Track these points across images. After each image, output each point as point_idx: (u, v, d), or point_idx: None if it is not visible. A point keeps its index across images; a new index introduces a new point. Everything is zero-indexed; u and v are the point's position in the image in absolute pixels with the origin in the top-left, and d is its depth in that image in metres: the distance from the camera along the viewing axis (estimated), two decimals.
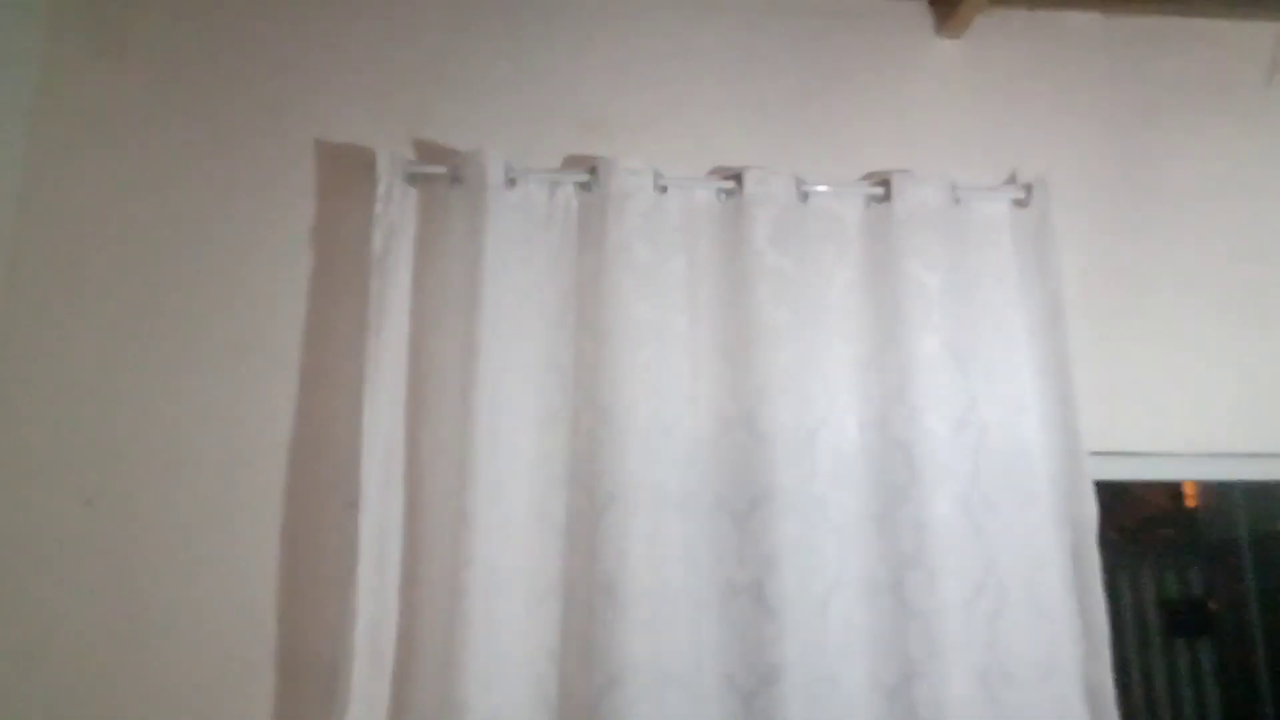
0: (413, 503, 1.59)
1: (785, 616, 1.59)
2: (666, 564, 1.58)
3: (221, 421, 1.64)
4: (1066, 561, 1.72)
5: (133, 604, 1.54)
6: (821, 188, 1.83)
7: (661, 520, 1.59)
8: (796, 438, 1.65)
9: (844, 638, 1.62)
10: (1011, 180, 1.92)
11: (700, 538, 1.62)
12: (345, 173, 1.76)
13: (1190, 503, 2.70)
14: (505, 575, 1.55)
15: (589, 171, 1.77)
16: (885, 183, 1.83)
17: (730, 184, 1.79)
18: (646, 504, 1.58)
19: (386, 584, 1.52)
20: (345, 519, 1.54)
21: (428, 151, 1.80)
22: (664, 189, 1.77)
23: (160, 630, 1.54)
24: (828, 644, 1.61)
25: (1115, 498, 1.86)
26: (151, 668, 1.52)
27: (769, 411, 1.65)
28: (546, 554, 1.59)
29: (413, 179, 1.74)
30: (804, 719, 1.56)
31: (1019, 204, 1.87)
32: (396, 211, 1.70)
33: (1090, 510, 1.72)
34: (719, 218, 1.79)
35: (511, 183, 1.74)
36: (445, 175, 1.74)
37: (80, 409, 1.62)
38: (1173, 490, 2.79)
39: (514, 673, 1.53)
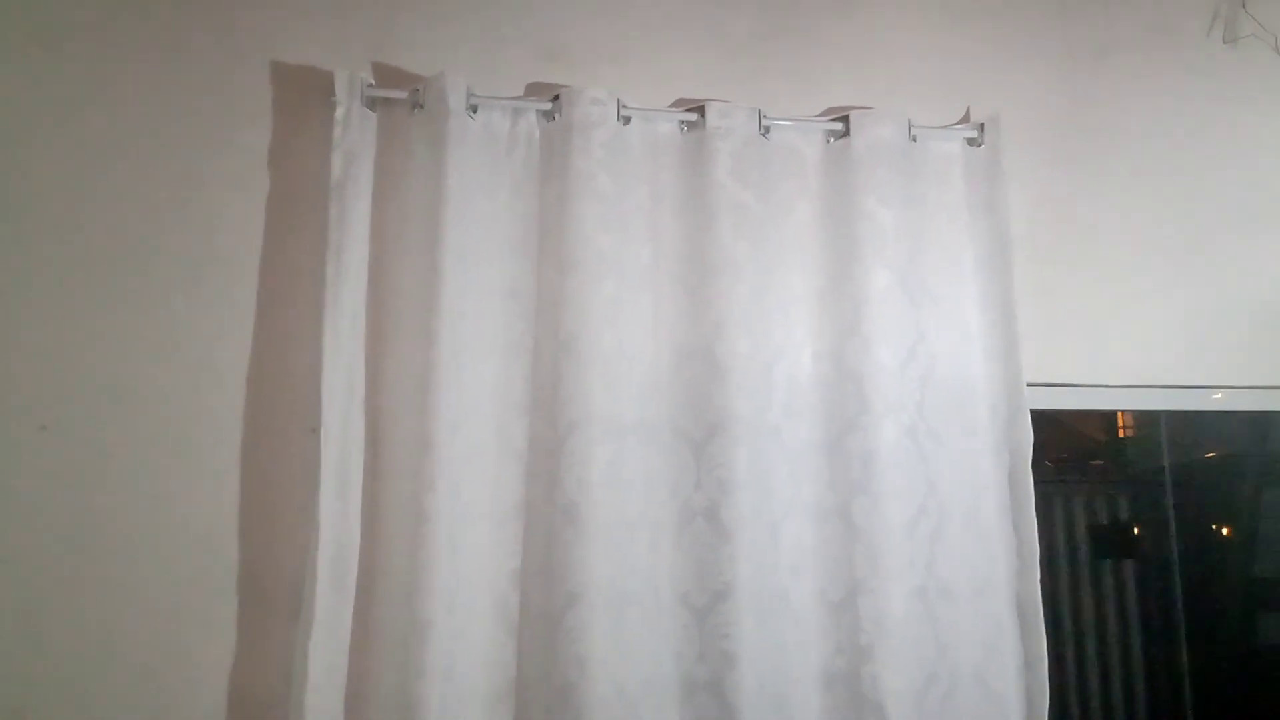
0: (374, 429, 1.61)
1: (739, 538, 1.65)
2: (626, 489, 1.63)
3: (178, 346, 1.63)
4: (1003, 486, 1.81)
5: (92, 529, 1.54)
6: (783, 122, 1.85)
7: (621, 447, 1.64)
8: (753, 369, 1.70)
9: (794, 558, 1.70)
10: (965, 119, 1.96)
11: (659, 464, 1.68)
12: (302, 95, 1.73)
13: (1122, 434, 2.82)
14: (467, 500, 1.58)
15: (552, 100, 1.77)
16: (845, 119, 1.85)
17: (693, 116, 1.81)
18: (607, 432, 1.62)
19: (349, 508, 1.54)
20: (306, 444, 1.55)
21: (387, 75, 1.78)
22: (627, 120, 1.78)
23: (120, 555, 1.54)
24: (779, 564, 1.68)
25: (1052, 430, 1.95)
26: (113, 592, 1.53)
27: (727, 344, 1.69)
28: (508, 479, 1.63)
29: (372, 103, 1.72)
30: (754, 633, 1.64)
31: (972, 143, 1.92)
32: (355, 136, 1.68)
33: (1027, 438, 1.81)
34: (681, 150, 1.80)
35: (473, 110, 1.73)
36: (405, 101, 1.73)
37: (33, 333, 1.59)
38: (1106, 423, 2.92)
39: (477, 593, 1.58)
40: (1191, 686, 1.97)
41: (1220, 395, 2.05)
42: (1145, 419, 2.57)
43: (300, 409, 1.60)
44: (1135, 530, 2.62)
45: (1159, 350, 2.01)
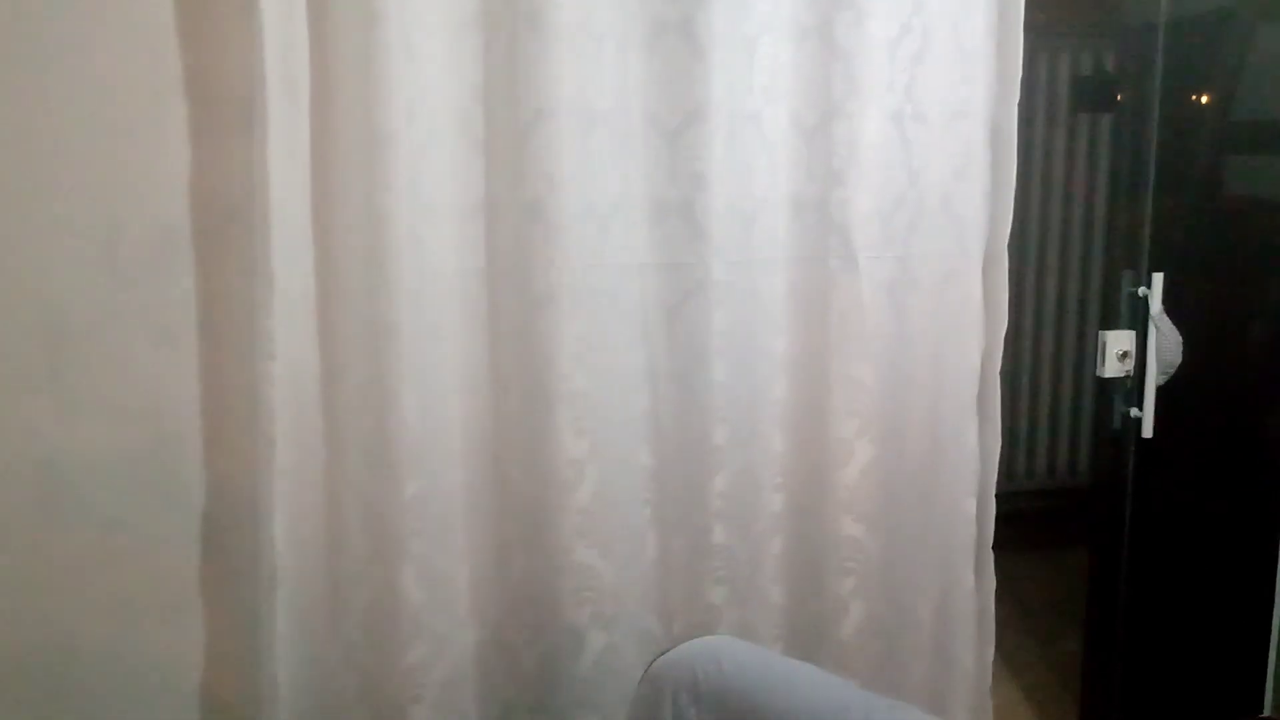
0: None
1: (712, 56, 1.58)
2: None
3: None
4: (992, 5, 1.71)
5: (16, 40, 1.41)
6: None
7: None
8: None
9: (769, 78, 1.63)
10: None
11: None
12: None
13: None
14: (421, 7, 1.46)
15: None
16: None
17: None
18: None
19: (293, 3, 1.42)
20: None
21: None
22: None
23: (52, 66, 1.43)
24: (753, 84, 1.62)
25: None
26: (48, 103, 1.43)
27: None
28: None
29: None
30: (724, 156, 1.62)
31: None
32: None
33: None
34: None
35: None
36: None
37: None
38: None
39: (438, 107, 1.50)
40: (1152, 224, 2.01)
41: None
42: None
43: None
44: (1118, 84, 2.56)
45: None
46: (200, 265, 1.49)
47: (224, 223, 1.48)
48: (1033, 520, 2.90)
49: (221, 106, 1.47)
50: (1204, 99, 2.45)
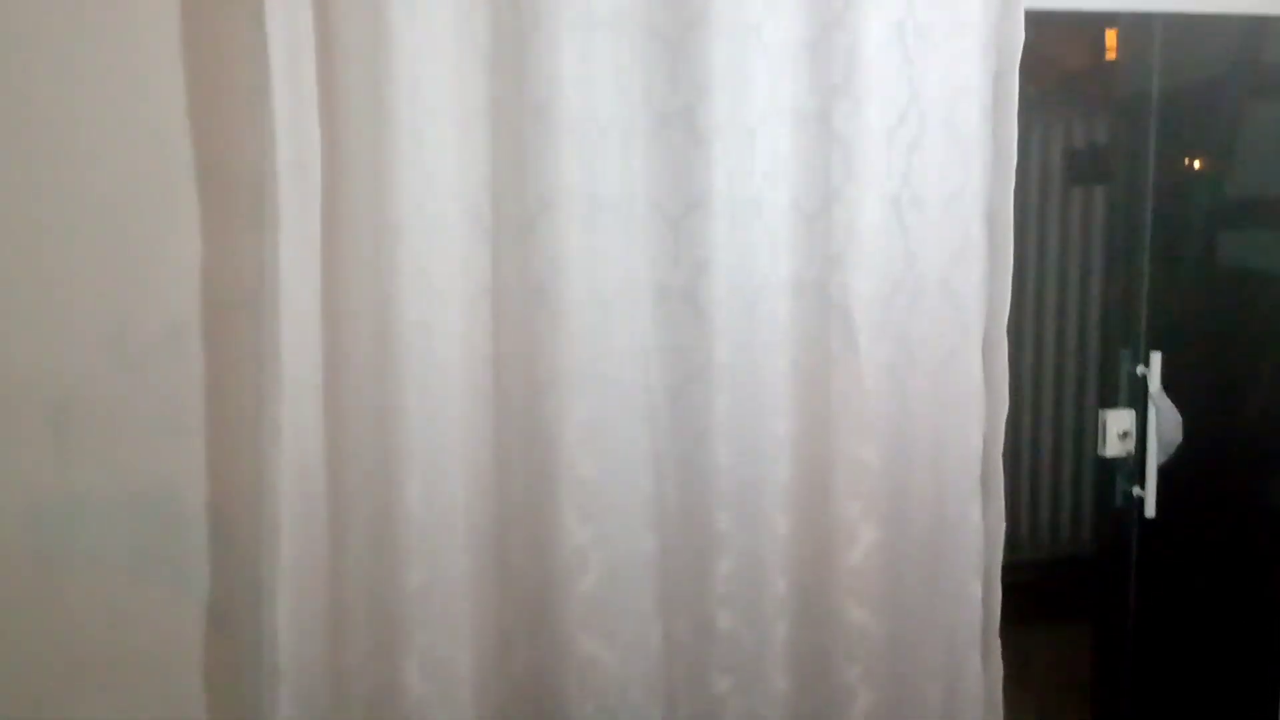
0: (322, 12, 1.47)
1: (714, 145, 1.60)
2: (597, 89, 1.55)
3: None
4: (988, 90, 1.75)
5: (30, 134, 1.45)
6: None
7: (591, 41, 1.54)
8: None
9: (770, 165, 1.66)
10: None
11: (632, 63, 1.58)
12: None
13: (1110, 56, 2.72)
14: (430, 102, 1.49)
15: None
16: None
17: None
18: (574, 25, 1.52)
19: (302, 100, 1.44)
20: (250, 31, 1.42)
21: None
22: None
23: (64, 159, 1.46)
24: (754, 171, 1.65)
25: (1038, 56, 1.86)
26: (62, 195, 1.47)
27: None
28: (471, 75, 1.53)
29: None
30: (727, 241, 1.64)
31: None
32: None
33: (1018, 37, 1.72)
34: None
35: None
36: None
37: None
38: (1094, 45, 2.80)
39: (447, 199, 1.53)
40: (1149, 301, 2.04)
41: None
42: (1135, 42, 2.46)
43: None
44: (1112, 156, 2.61)
45: None
46: (209, 353, 1.50)
47: (233, 311, 1.49)
48: (1033, 591, 2.88)
49: (232, 196, 1.49)
50: (1197, 168, 2.49)
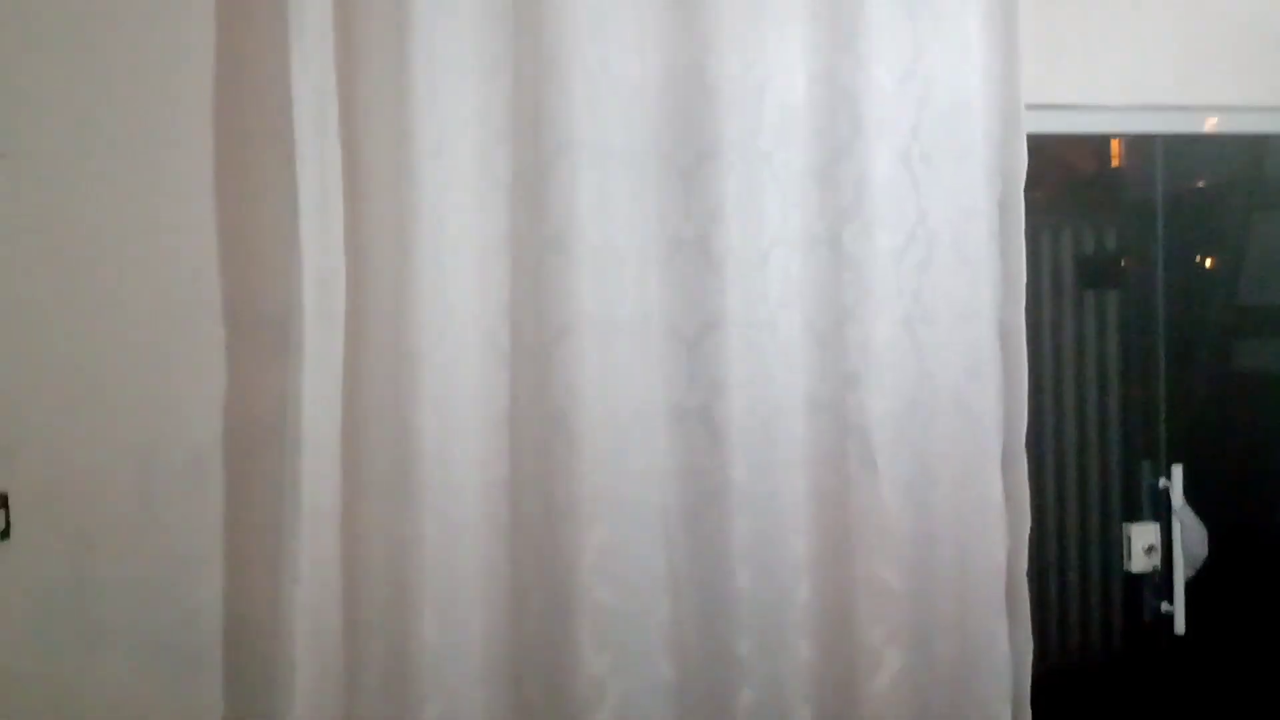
0: (351, 152, 1.52)
1: (728, 268, 1.64)
2: (613, 219, 1.60)
3: (141, 62, 1.51)
4: (994, 213, 1.78)
5: (63, 266, 1.50)
6: None
7: (608, 174, 1.58)
8: (744, 91, 1.62)
9: (782, 287, 1.69)
10: None
11: (647, 193, 1.63)
12: None
13: (1114, 163, 2.77)
14: (453, 233, 1.54)
15: None
16: None
17: None
18: (593, 159, 1.57)
19: (330, 237, 1.49)
20: (282, 173, 1.48)
21: None
22: None
23: (96, 291, 1.51)
24: (767, 293, 1.67)
25: (1043, 162, 1.90)
26: (96, 332, 1.51)
27: (715, 62, 1.60)
28: (493, 209, 1.57)
29: None
30: (742, 362, 1.66)
31: None
32: None
33: (1021, 162, 1.76)
34: None
35: None
36: None
37: None
38: (1099, 152, 2.85)
39: (465, 326, 1.56)
40: (1167, 410, 2.03)
41: (1216, 119, 1.99)
42: (1139, 150, 2.51)
43: (272, 130, 1.49)
44: (1121, 260, 2.62)
45: (1158, 67, 1.94)
46: (230, 486, 1.52)
47: (255, 444, 1.51)
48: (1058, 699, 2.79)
49: (257, 331, 1.53)
50: (1207, 267, 2.50)
